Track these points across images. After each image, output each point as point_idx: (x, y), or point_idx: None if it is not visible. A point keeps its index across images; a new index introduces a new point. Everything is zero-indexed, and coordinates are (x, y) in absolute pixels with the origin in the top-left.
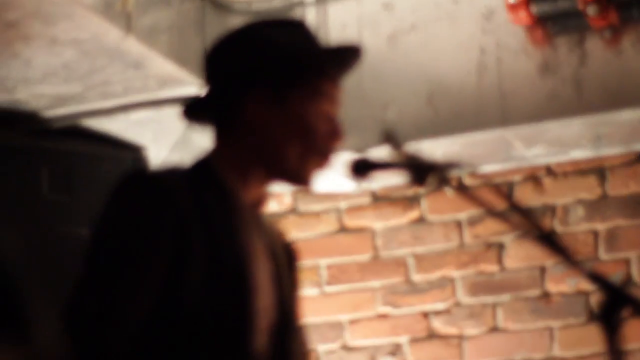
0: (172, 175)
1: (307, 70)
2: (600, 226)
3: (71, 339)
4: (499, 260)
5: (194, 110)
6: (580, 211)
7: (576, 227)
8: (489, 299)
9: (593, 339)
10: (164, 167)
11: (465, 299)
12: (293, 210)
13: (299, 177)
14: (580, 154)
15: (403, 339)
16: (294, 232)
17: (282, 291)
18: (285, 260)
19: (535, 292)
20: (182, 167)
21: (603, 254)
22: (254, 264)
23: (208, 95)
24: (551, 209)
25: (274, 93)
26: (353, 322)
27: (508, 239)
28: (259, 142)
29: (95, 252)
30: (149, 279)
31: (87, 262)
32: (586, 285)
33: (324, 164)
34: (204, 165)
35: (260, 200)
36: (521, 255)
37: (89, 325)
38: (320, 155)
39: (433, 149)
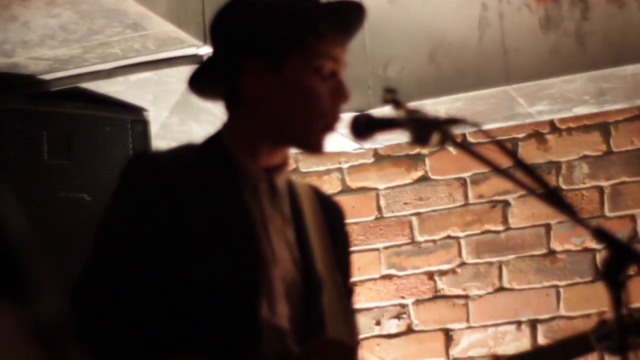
0: (174, 155)
1: (299, 32)
2: (605, 183)
3: (78, 318)
4: (504, 220)
5: (197, 83)
6: (584, 168)
7: (581, 184)
8: (494, 258)
9: (599, 297)
10: (175, 146)
11: (470, 259)
12: (294, 171)
13: (308, 144)
14: (583, 109)
15: (408, 301)
16: None
17: (309, 256)
18: (319, 223)
19: (540, 250)
20: (194, 144)
21: (608, 211)
22: (263, 233)
23: (209, 68)
24: (556, 166)
25: (267, 61)
26: (357, 284)
27: (512, 197)
28: (261, 113)
29: (98, 234)
30: (149, 257)
31: (93, 244)
32: (592, 243)
33: (331, 127)
34: (214, 140)
35: (279, 166)
36: (526, 213)
37: (92, 305)
38: (326, 118)
39: (436, 107)
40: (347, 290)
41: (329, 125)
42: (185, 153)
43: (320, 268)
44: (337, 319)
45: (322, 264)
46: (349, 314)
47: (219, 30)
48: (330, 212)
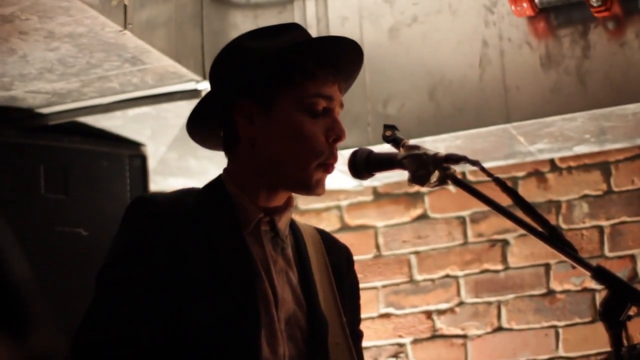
0: (175, 198)
1: (287, 72)
2: (605, 223)
3: None
4: (503, 259)
5: (196, 129)
6: (584, 207)
7: (581, 224)
8: (492, 298)
9: (599, 338)
10: (176, 190)
11: (469, 298)
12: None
13: (303, 185)
14: (584, 148)
15: (406, 340)
16: None
17: (313, 298)
18: (323, 266)
19: (539, 290)
20: (195, 188)
21: (608, 251)
22: (264, 275)
23: (206, 112)
24: (556, 205)
25: (258, 103)
26: None
27: (512, 236)
28: (256, 155)
29: (99, 278)
30: (149, 301)
31: (95, 288)
32: (591, 283)
33: (327, 167)
34: (215, 184)
35: (281, 208)
36: (525, 253)
37: (90, 353)
38: (320, 157)
39: (435, 144)
40: (356, 334)
41: (325, 164)
42: (187, 197)
43: (325, 309)
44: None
45: (326, 306)
46: (356, 358)
47: (213, 75)
48: (336, 255)
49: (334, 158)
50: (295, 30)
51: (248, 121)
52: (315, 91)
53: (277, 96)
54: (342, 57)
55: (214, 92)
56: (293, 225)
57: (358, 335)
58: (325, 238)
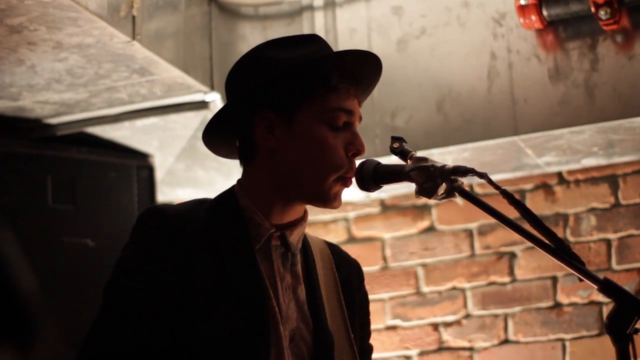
0: (186, 211)
1: (310, 84)
2: (613, 236)
3: None
4: (510, 271)
5: (211, 137)
6: (592, 220)
7: (588, 237)
8: (499, 310)
9: (606, 351)
10: (188, 201)
11: (475, 310)
12: None
13: (321, 198)
14: (592, 161)
15: (413, 352)
16: None
17: (320, 314)
18: (332, 281)
19: (547, 303)
20: (207, 199)
21: (615, 264)
22: (271, 291)
23: (223, 122)
24: (563, 218)
25: (279, 114)
26: None
27: (519, 249)
28: (274, 167)
29: (107, 290)
30: (156, 314)
31: (102, 300)
32: (598, 296)
33: (346, 181)
34: (227, 196)
35: (293, 223)
36: (532, 265)
37: None
38: (339, 171)
39: (443, 156)
40: (366, 348)
41: (343, 178)
42: (198, 208)
43: (332, 326)
44: None
45: (334, 322)
46: None
47: (232, 84)
48: (346, 270)
49: (352, 172)
50: (316, 42)
51: (268, 132)
52: (337, 105)
53: (299, 108)
54: (363, 70)
55: (234, 101)
56: (304, 239)
57: (368, 350)
58: (336, 253)
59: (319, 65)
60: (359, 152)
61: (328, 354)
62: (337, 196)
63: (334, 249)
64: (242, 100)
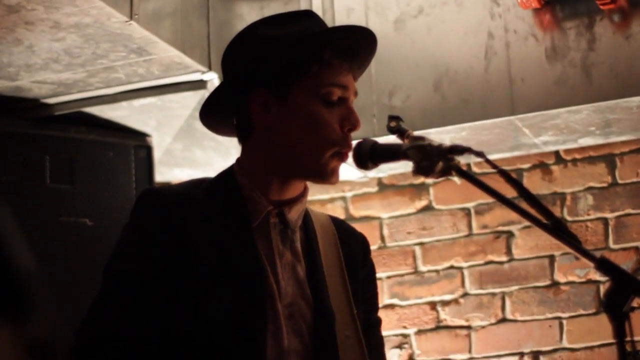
0: (184, 190)
1: (303, 60)
2: (610, 215)
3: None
4: (508, 250)
5: (209, 116)
6: (589, 200)
7: (585, 216)
8: (497, 289)
9: (603, 330)
10: (187, 180)
11: (473, 289)
12: None
13: (318, 173)
14: (589, 141)
15: (410, 331)
16: None
17: (320, 291)
18: (335, 257)
19: (544, 282)
20: (206, 178)
21: (612, 243)
22: (269, 269)
23: (219, 101)
24: (560, 197)
25: (273, 91)
26: None
27: (517, 228)
28: (271, 144)
29: (106, 270)
30: (154, 296)
31: (102, 279)
32: (596, 275)
33: (342, 156)
34: (225, 175)
35: (293, 200)
36: (530, 245)
37: (96, 345)
38: (335, 146)
39: (440, 136)
40: (373, 321)
41: (340, 153)
42: (196, 188)
43: (334, 302)
44: (352, 353)
45: (336, 299)
46: (373, 346)
47: (226, 63)
48: (351, 245)
49: (348, 147)
50: (309, 17)
51: (263, 110)
52: (331, 80)
53: (293, 85)
54: (357, 46)
55: (229, 80)
56: (306, 215)
57: (376, 323)
58: (341, 228)
59: (311, 40)
60: (354, 127)
61: (329, 330)
62: (335, 171)
63: (339, 224)
64: (237, 79)
